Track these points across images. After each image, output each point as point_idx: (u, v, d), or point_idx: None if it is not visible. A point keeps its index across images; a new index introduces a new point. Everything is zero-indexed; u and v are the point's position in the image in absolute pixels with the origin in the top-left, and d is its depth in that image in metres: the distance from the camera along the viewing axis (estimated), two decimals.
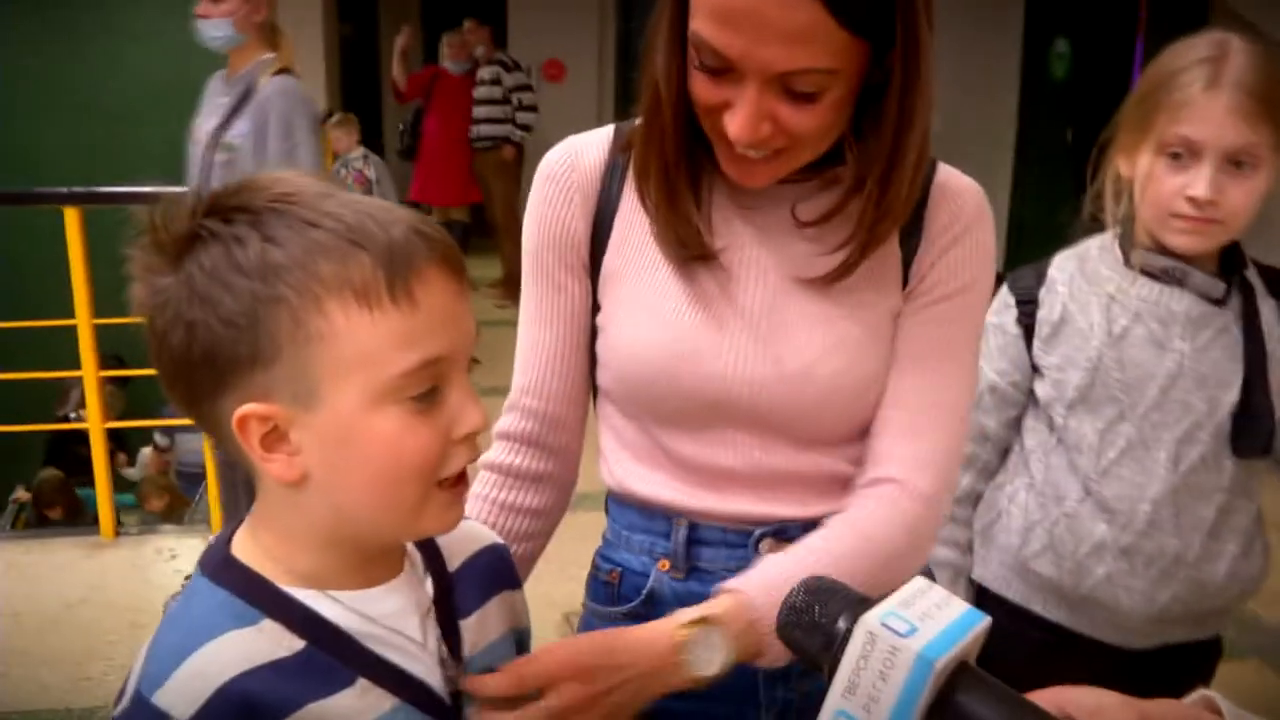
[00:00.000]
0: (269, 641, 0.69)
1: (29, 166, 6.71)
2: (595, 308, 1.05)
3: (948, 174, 1.01)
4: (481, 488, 1.07)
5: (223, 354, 0.65)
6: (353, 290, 0.65)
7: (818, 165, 0.96)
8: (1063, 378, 1.35)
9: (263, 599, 0.70)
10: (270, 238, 0.65)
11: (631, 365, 1.00)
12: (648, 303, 1.00)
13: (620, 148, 1.03)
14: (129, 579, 3.14)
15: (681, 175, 0.97)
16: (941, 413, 1.00)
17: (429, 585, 0.79)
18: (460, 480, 0.72)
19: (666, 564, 1.04)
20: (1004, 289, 1.42)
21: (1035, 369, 1.40)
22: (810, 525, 1.00)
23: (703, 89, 0.90)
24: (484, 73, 6.65)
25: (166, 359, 0.67)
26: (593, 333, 1.05)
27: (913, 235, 0.99)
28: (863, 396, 0.99)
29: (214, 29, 2.69)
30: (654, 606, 1.04)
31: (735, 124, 0.88)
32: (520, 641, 0.89)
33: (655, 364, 0.98)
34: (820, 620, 0.66)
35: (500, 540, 0.89)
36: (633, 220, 1.02)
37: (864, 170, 0.94)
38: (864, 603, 0.65)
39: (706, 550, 1.03)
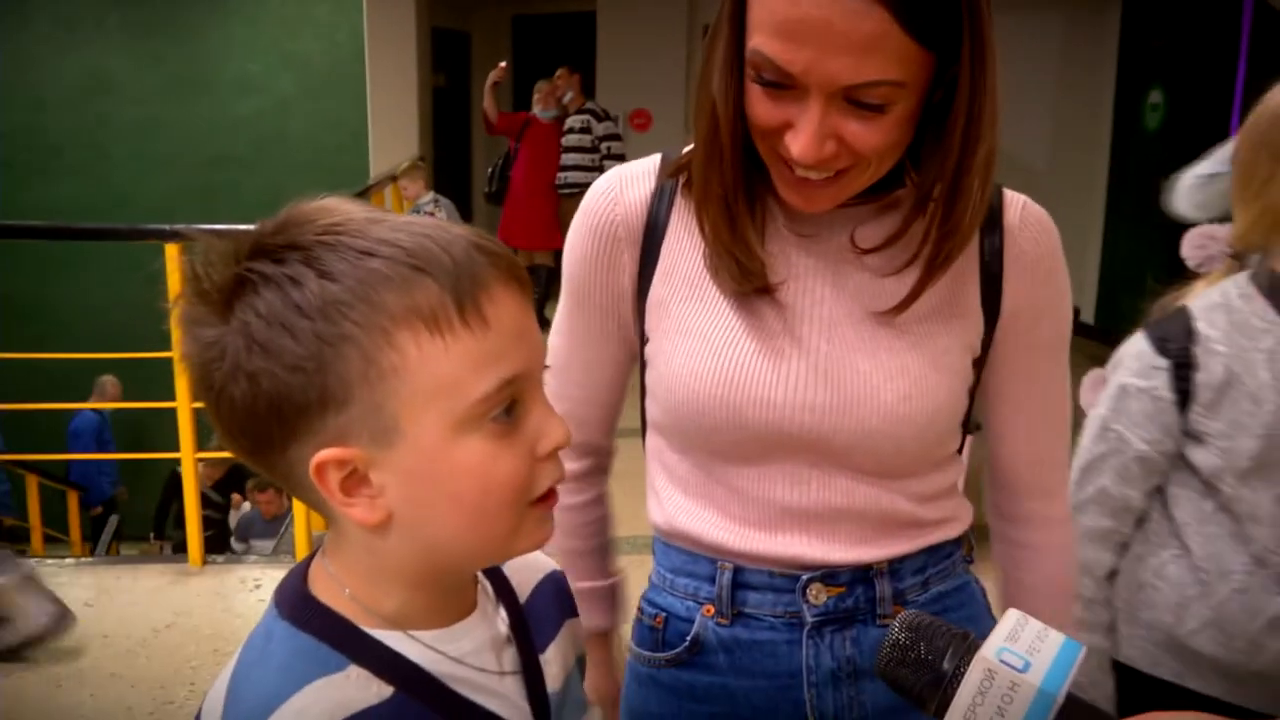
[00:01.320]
0: (357, 689, 0.65)
1: (140, 210, 7.01)
2: (641, 340, 1.03)
3: (1020, 202, 0.99)
4: (568, 498, 1.08)
5: (291, 402, 0.61)
6: (422, 318, 0.61)
7: (876, 190, 0.93)
8: (1232, 445, 1.26)
9: (348, 644, 0.66)
10: (326, 273, 0.61)
11: (684, 396, 0.97)
12: (700, 332, 0.97)
13: (668, 174, 1.00)
14: (213, 607, 3.21)
15: (741, 201, 0.95)
16: (1063, 453, 1.08)
17: (503, 614, 0.77)
18: (551, 494, 0.69)
19: (711, 609, 1.02)
20: (1147, 349, 1.32)
21: (1190, 435, 1.30)
22: (860, 570, 0.99)
23: (762, 109, 0.87)
24: (574, 121, 6.77)
25: (227, 413, 0.63)
26: (640, 365, 1.04)
27: (994, 267, 0.97)
28: (929, 427, 0.96)
29: None
30: (699, 653, 1.02)
31: (799, 143, 0.85)
32: (580, 668, 0.86)
33: (710, 394, 0.95)
34: (927, 657, 0.65)
35: (558, 567, 0.87)
36: (682, 249, 0.99)
37: (926, 189, 0.91)
38: (967, 638, 0.65)
39: (753, 595, 1.00)
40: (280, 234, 0.63)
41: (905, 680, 0.66)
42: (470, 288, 0.63)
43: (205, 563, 3.50)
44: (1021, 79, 6.68)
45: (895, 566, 1.00)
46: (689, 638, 1.03)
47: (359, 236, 0.62)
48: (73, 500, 6.27)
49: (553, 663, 0.78)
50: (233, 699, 0.65)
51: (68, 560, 3.68)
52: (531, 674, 0.75)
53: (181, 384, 3.35)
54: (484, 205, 7.59)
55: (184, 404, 3.42)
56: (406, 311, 0.61)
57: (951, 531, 1.04)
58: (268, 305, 0.61)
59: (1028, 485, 1.07)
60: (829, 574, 0.99)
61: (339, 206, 0.65)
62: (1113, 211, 7.05)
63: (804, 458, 0.96)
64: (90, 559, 3.87)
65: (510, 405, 0.65)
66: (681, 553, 1.04)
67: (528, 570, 0.82)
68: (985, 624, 1.04)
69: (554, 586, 0.84)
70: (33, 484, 5.69)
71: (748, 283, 0.95)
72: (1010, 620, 0.65)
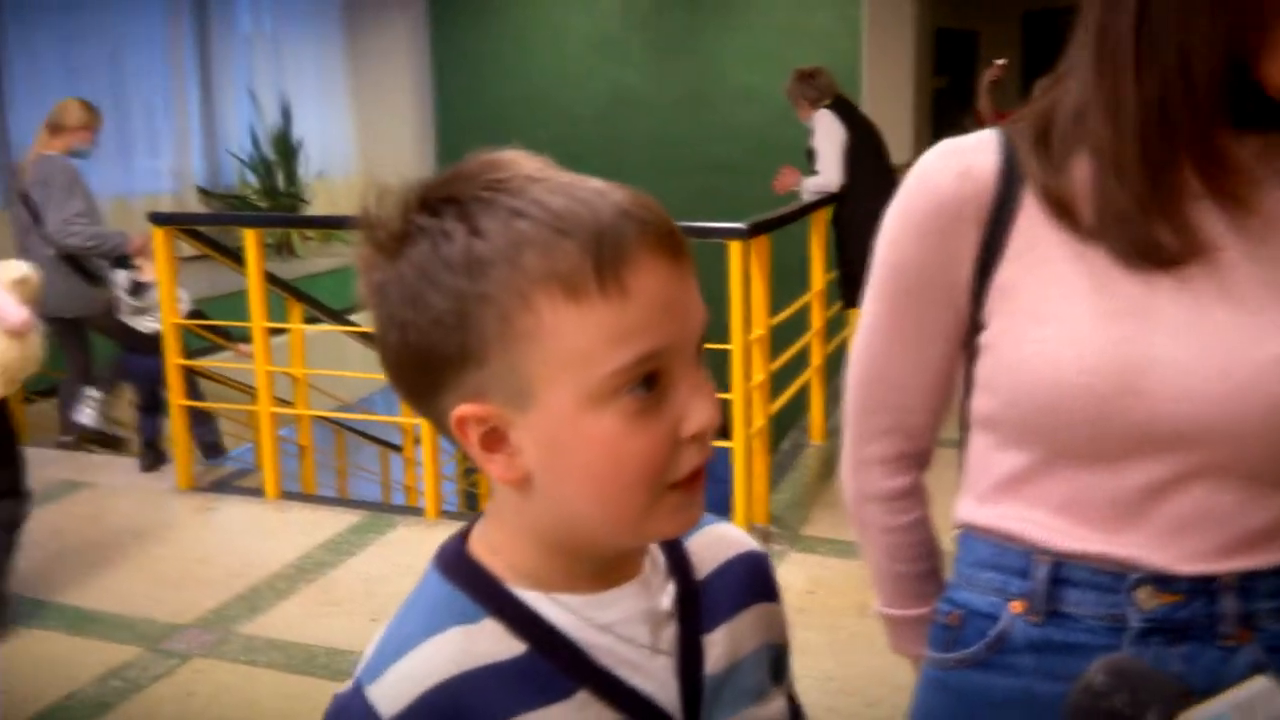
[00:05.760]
0: (489, 642, 0.65)
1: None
2: (972, 329, 0.93)
3: None
4: (898, 518, 1.02)
5: (435, 355, 0.61)
6: (559, 282, 0.59)
7: None
8: None
9: (488, 597, 0.66)
10: (476, 230, 0.60)
11: (1034, 385, 0.86)
12: (1059, 315, 0.86)
13: (1032, 139, 0.90)
14: None
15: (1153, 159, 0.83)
16: None
17: (670, 590, 0.71)
18: (696, 479, 0.64)
19: (1021, 605, 0.91)
20: None
21: None
22: (1201, 581, 0.84)
23: None
24: None
25: (388, 357, 0.64)
26: (969, 356, 0.95)
27: None
28: None
29: None
30: (1001, 653, 0.91)
31: None
32: (778, 658, 0.79)
33: (1070, 382, 0.84)
34: (1124, 710, 0.53)
35: (759, 548, 0.80)
36: (1034, 227, 0.88)
37: None
38: (1186, 697, 0.51)
39: (1073, 591, 0.88)
40: (444, 187, 0.62)
41: None
42: (612, 254, 0.59)
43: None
44: None
45: (1248, 582, 0.84)
46: (991, 634, 0.92)
47: (515, 196, 0.61)
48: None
49: (718, 644, 0.72)
50: (380, 640, 0.67)
51: None
52: (689, 653, 0.70)
53: (738, 375, 3.55)
54: None
55: (738, 394, 3.61)
56: (545, 275, 0.59)
57: None
58: (420, 257, 0.61)
59: None
60: (1163, 578, 0.85)
61: (509, 161, 0.63)
62: None
63: (1167, 457, 0.84)
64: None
65: (652, 380, 0.61)
66: (988, 545, 0.93)
67: (719, 546, 0.77)
68: None
69: (747, 567, 0.77)
70: None
71: (1141, 259, 0.84)
72: (1251, 686, 0.49)
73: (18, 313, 2.96)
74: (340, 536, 3.71)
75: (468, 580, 0.67)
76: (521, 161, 0.64)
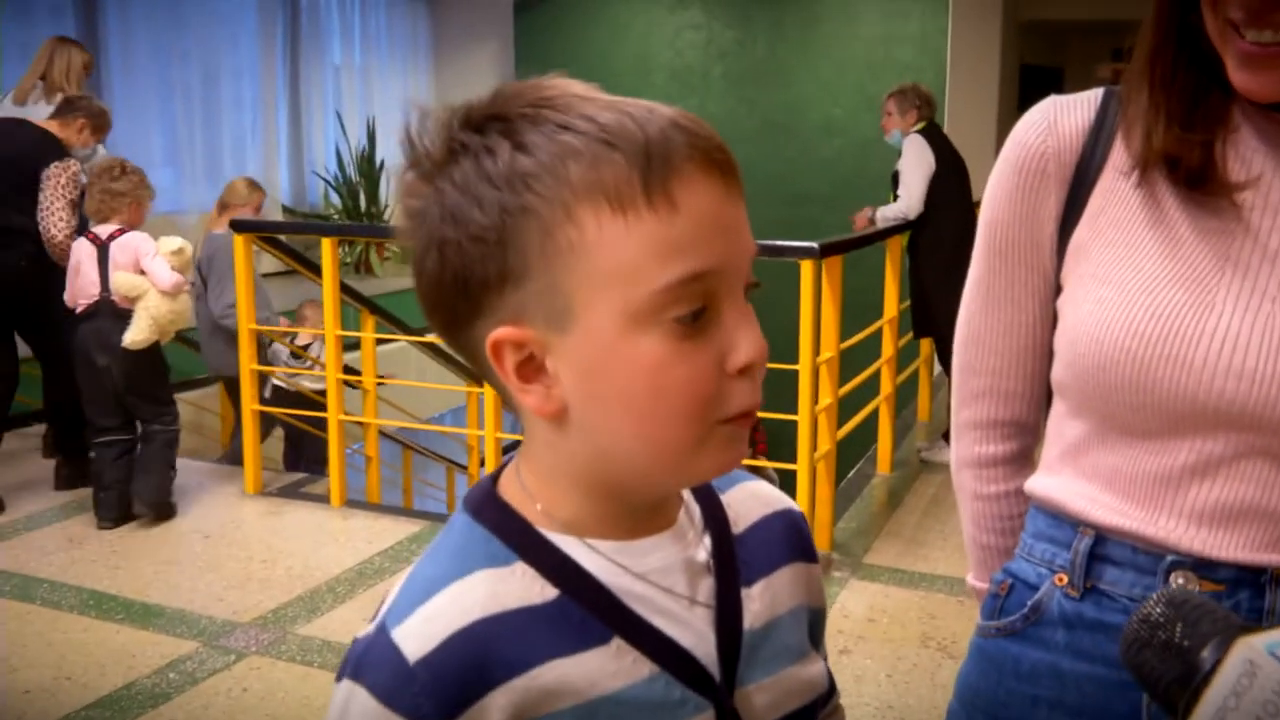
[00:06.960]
0: (520, 586, 0.63)
1: None
2: (1059, 292, 0.91)
3: None
4: (987, 486, 1.00)
5: (474, 275, 0.59)
6: (605, 194, 0.57)
7: None
8: None
9: (519, 541, 0.64)
10: (521, 145, 0.58)
11: (1086, 348, 0.84)
12: (1118, 279, 0.84)
13: (1111, 103, 0.89)
14: None
15: (1168, 81, 0.83)
16: None
17: (707, 542, 0.69)
18: (747, 415, 0.61)
19: (1064, 578, 0.89)
20: None
21: None
22: (1249, 572, 0.80)
23: None
24: None
25: (424, 285, 0.62)
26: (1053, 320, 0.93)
27: None
28: None
29: None
30: (1035, 624, 0.89)
31: None
32: (814, 621, 0.76)
33: (1115, 344, 0.82)
34: (1181, 642, 0.50)
35: (796, 507, 0.77)
36: (1116, 187, 0.86)
37: None
38: (1246, 629, 0.49)
39: (1110, 569, 0.87)
40: (489, 106, 0.60)
41: (1149, 666, 0.52)
42: (660, 167, 0.57)
43: None
44: None
45: None
46: (1030, 604, 0.90)
47: (563, 112, 0.59)
48: None
49: (756, 599, 0.70)
50: (404, 583, 0.65)
51: None
52: (727, 605, 0.68)
53: (805, 397, 3.51)
54: None
55: (805, 414, 3.57)
56: (590, 186, 0.57)
57: None
58: (463, 174, 0.59)
59: None
60: (1203, 565, 0.81)
61: (555, 82, 0.62)
62: None
63: (1219, 436, 0.80)
64: None
65: (700, 309, 0.58)
66: (1047, 516, 0.91)
67: (754, 502, 0.75)
68: None
69: (785, 525, 0.75)
70: None
71: (1186, 176, 0.82)
72: None
73: (169, 276, 3.72)
74: (401, 545, 3.73)
75: (498, 522, 0.65)
76: (568, 83, 0.62)
